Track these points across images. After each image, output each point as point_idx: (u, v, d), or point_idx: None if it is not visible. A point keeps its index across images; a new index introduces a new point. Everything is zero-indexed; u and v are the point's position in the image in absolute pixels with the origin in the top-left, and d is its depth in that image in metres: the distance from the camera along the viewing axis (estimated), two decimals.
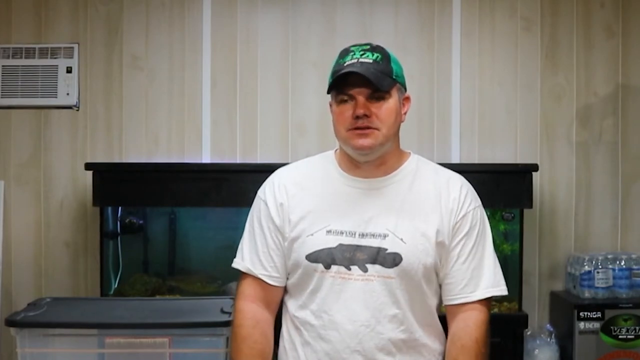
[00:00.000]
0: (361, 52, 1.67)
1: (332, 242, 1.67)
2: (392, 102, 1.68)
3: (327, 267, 1.66)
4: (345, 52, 1.70)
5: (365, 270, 1.65)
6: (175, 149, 3.65)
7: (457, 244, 1.70)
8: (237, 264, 1.78)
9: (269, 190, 1.77)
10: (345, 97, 1.66)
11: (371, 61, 1.65)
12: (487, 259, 1.73)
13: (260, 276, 1.74)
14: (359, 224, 1.68)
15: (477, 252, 1.71)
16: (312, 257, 1.67)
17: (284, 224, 1.73)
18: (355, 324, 1.65)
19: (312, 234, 1.69)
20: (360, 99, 1.64)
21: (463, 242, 1.70)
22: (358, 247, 1.66)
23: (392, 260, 1.65)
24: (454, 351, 1.68)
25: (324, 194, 1.73)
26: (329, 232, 1.68)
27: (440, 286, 1.75)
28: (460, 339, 1.68)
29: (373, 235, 1.66)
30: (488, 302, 1.72)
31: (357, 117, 1.64)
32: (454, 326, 1.71)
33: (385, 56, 1.69)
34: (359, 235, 1.67)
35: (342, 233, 1.67)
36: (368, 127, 1.64)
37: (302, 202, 1.72)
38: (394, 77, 1.68)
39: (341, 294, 1.66)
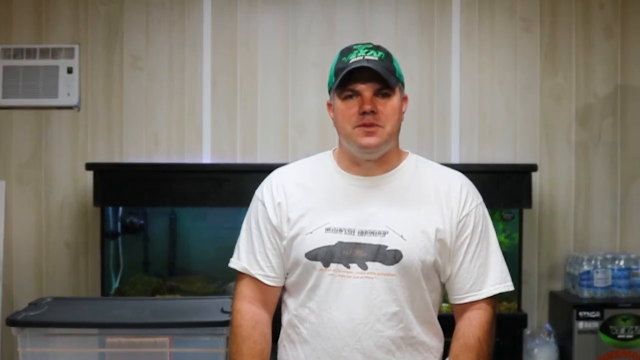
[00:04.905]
0: (365, 50, 1.68)
1: (331, 239, 1.67)
2: (395, 100, 1.68)
3: (326, 264, 1.67)
4: (348, 50, 1.71)
5: (364, 267, 1.66)
6: (175, 149, 3.66)
7: (462, 243, 1.71)
8: (233, 263, 1.79)
9: (267, 190, 1.77)
10: (350, 93, 1.67)
11: (377, 59, 1.66)
12: (492, 255, 1.74)
13: (257, 276, 1.74)
14: (358, 221, 1.68)
15: (482, 250, 1.72)
16: (311, 255, 1.68)
17: (281, 223, 1.73)
18: (354, 322, 1.65)
19: (311, 232, 1.69)
20: (367, 94, 1.65)
21: (468, 241, 1.71)
22: (357, 245, 1.66)
23: (392, 257, 1.65)
24: (457, 349, 1.69)
25: (323, 192, 1.73)
26: (328, 229, 1.68)
27: (443, 284, 1.76)
28: (464, 336, 1.69)
29: (373, 233, 1.67)
30: (494, 299, 1.73)
31: (364, 113, 1.64)
32: (459, 324, 1.72)
33: (388, 55, 1.70)
34: (359, 232, 1.67)
35: (341, 231, 1.68)
36: (373, 124, 1.65)
37: (301, 200, 1.73)
38: (397, 75, 1.69)
39: (340, 292, 1.66)
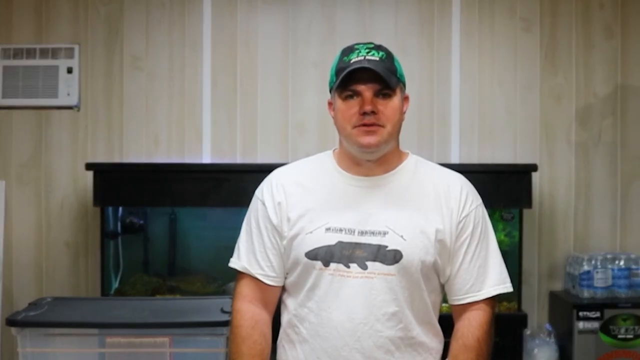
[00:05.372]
0: (367, 50, 1.68)
1: (331, 239, 1.67)
2: (396, 100, 1.68)
3: (326, 264, 1.67)
4: (349, 50, 1.71)
5: (364, 267, 1.66)
6: (175, 149, 3.66)
7: (462, 244, 1.71)
8: (233, 263, 1.79)
9: (267, 190, 1.77)
10: (351, 93, 1.67)
11: (377, 59, 1.66)
12: (491, 256, 1.74)
13: (257, 275, 1.74)
14: (358, 221, 1.68)
15: (481, 251, 1.73)
16: (311, 255, 1.68)
17: (281, 223, 1.73)
18: (353, 322, 1.65)
19: (311, 232, 1.69)
20: (368, 95, 1.65)
21: (467, 242, 1.71)
22: (357, 245, 1.66)
23: (392, 257, 1.65)
24: (456, 349, 1.69)
25: (323, 191, 1.73)
26: (328, 229, 1.68)
27: (442, 285, 1.76)
28: (463, 337, 1.69)
29: (373, 233, 1.67)
30: (493, 300, 1.73)
31: (365, 114, 1.64)
32: (459, 325, 1.72)
33: (389, 55, 1.70)
34: (359, 232, 1.67)
35: (341, 230, 1.68)
36: (374, 124, 1.65)
37: (301, 200, 1.73)
38: (398, 76, 1.69)
39: (340, 292, 1.66)
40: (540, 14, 3.68)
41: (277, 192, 1.75)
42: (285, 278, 1.76)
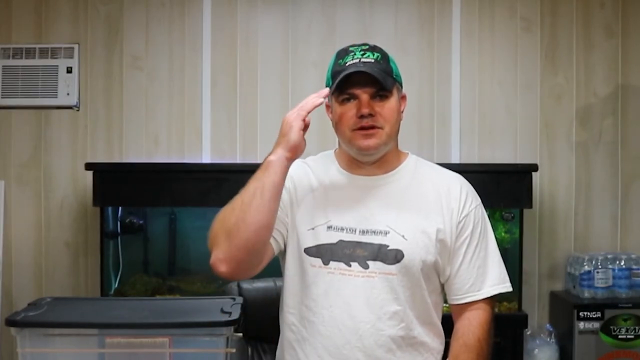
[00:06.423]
0: (361, 52, 1.68)
1: (332, 238, 1.68)
2: (393, 101, 1.69)
3: (326, 262, 1.67)
4: (344, 53, 1.71)
5: (366, 267, 1.66)
6: (175, 149, 3.65)
7: (462, 244, 1.71)
8: None
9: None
10: (347, 97, 1.67)
11: (373, 61, 1.66)
12: (490, 256, 1.75)
13: None
14: (359, 221, 1.69)
15: (481, 251, 1.73)
16: (312, 252, 1.68)
17: (291, 199, 1.72)
18: (354, 320, 1.65)
19: (312, 229, 1.70)
20: (365, 97, 1.65)
21: (467, 242, 1.72)
22: (359, 244, 1.67)
23: (393, 256, 1.66)
24: (457, 349, 1.69)
25: (325, 190, 1.74)
26: (329, 227, 1.69)
27: (442, 285, 1.76)
28: (463, 336, 1.70)
29: (374, 232, 1.67)
30: (493, 300, 1.74)
31: (362, 116, 1.64)
32: (458, 324, 1.73)
33: (385, 56, 1.70)
34: (360, 232, 1.68)
35: (342, 229, 1.68)
36: (372, 127, 1.65)
37: (305, 197, 1.74)
38: (394, 76, 1.69)
39: (340, 291, 1.66)
40: (541, 14, 3.68)
41: (288, 179, 1.72)
42: (283, 273, 1.76)
